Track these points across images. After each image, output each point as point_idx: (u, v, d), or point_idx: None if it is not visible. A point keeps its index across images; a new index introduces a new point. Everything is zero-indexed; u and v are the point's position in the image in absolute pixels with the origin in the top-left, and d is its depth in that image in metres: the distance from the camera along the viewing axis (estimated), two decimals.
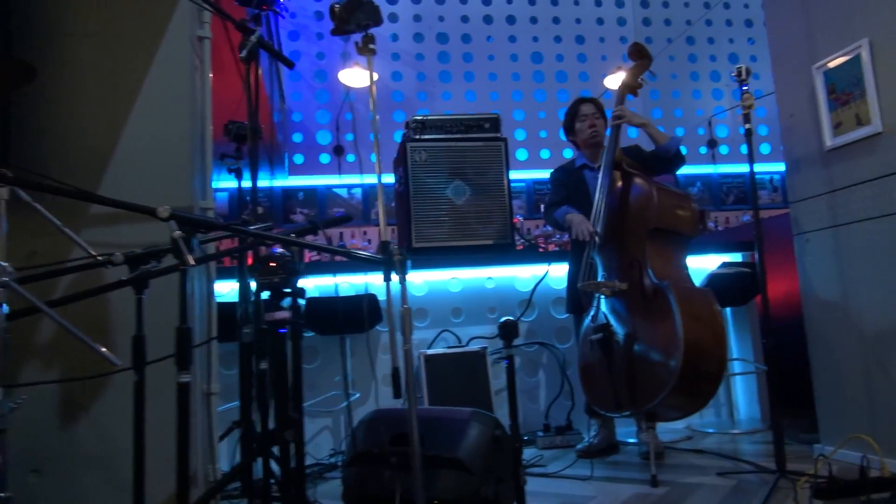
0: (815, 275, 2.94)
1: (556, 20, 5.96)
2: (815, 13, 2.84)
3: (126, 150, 1.98)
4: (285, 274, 1.54)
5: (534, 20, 5.90)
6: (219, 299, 2.37)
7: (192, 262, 1.41)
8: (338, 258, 3.62)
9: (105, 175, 1.97)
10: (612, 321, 2.77)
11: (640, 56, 3.20)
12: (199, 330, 1.99)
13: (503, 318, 1.95)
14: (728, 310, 4.00)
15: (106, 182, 1.97)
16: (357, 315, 3.16)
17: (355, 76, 4.74)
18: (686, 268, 2.80)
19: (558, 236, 4.61)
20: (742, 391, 3.97)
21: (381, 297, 3.67)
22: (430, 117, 3.67)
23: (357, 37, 1.85)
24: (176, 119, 1.93)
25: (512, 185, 5.81)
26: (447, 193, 3.62)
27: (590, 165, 3.31)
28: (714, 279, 3.60)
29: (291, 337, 1.63)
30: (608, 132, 3.07)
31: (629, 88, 3.13)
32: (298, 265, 1.58)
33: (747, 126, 2.56)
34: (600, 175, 2.97)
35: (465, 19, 5.73)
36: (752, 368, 3.85)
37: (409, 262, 1.64)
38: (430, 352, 3.53)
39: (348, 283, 3.59)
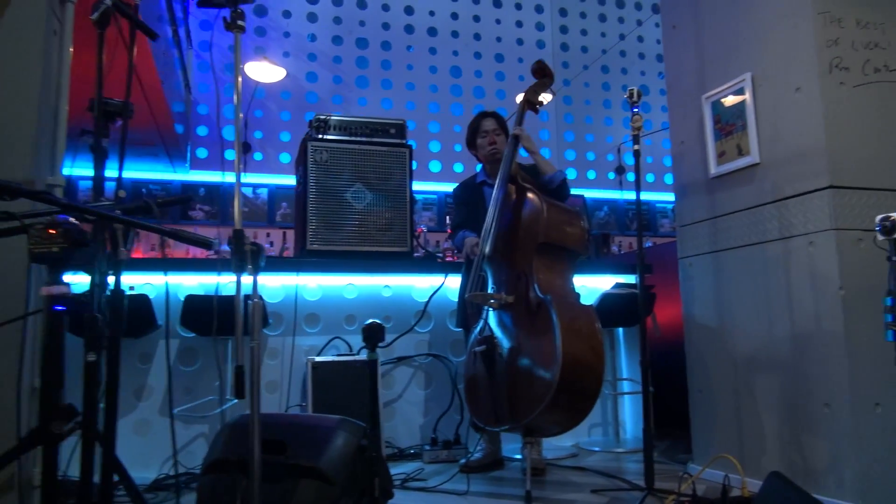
0: (696, 298, 3.03)
1: (476, 36, 6.02)
2: (707, 45, 2.95)
3: None
4: (66, 244, 1.36)
5: (455, 34, 5.93)
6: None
7: None
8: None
9: None
10: (498, 334, 2.75)
11: (542, 74, 3.23)
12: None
13: (368, 321, 1.87)
14: (620, 330, 4.08)
15: None
16: (233, 318, 3.00)
17: (263, 70, 4.59)
18: (572, 284, 2.82)
19: None
20: (630, 411, 4.05)
21: (275, 298, 3.53)
22: (333, 117, 3.58)
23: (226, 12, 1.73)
24: (23, 86, 1.75)
25: (424, 196, 5.84)
26: (347, 197, 3.53)
27: (489, 182, 3.31)
28: (606, 299, 3.66)
29: (110, 327, 1.48)
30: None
31: (529, 105, 3.15)
32: (86, 236, 1.43)
33: (636, 147, 2.61)
34: (495, 188, 2.97)
35: (385, 26, 5.68)
36: (640, 388, 3.93)
37: (262, 256, 1.53)
38: (319, 359, 3.41)
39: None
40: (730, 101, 2.78)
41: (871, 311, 2.30)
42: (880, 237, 1.57)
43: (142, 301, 2.89)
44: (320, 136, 3.53)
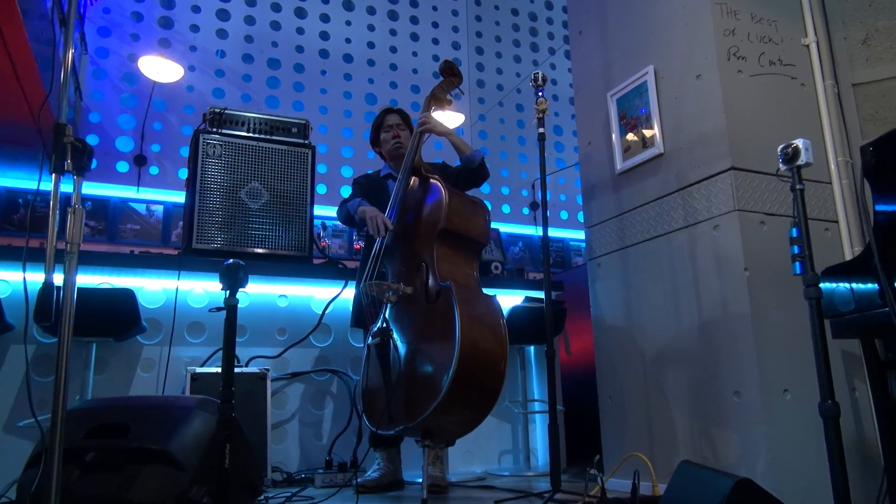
0: (604, 299, 2.92)
1: (393, 66, 5.98)
2: (611, 45, 2.96)
3: None
4: None
5: (371, 62, 5.87)
6: None
7: None
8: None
9: None
10: (395, 329, 2.52)
11: (451, 73, 3.14)
12: None
13: (229, 260, 1.61)
14: (531, 349, 3.92)
15: None
16: (102, 317, 2.65)
17: (160, 66, 4.33)
18: (474, 274, 2.64)
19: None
20: (541, 437, 3.83)
21: (154, 303, 3.17)
22: (229, 111, 3.35)
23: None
24: None
25: (334, 223, 5.60)
26: (241, 195, 3.28)
27: (394, 175, 3.15)
28: (515, 313, 3.49)
29: None
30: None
31: (436, 99, 3.04)
32: None
33: (541, 130, 2.52)
34: (398, 177, 2.80)
35: (300, 49, 5.56)
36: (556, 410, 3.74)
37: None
38: (200, 370, 3.06)
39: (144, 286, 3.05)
40: (633, 94, 2.77)
41: (775, 294, 2.24)
42: (783, 167, 1.49)
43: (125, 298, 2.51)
44: (214, 129, 3.29)
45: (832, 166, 2.50)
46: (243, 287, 1.63)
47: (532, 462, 3.73)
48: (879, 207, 1.68)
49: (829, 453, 1.36)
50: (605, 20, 3.00)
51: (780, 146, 1.47)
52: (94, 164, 4.45)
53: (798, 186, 1.44)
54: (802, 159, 1.43)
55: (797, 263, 1.41)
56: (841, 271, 1.75)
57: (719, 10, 2.47)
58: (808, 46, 2.61)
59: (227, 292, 1.59)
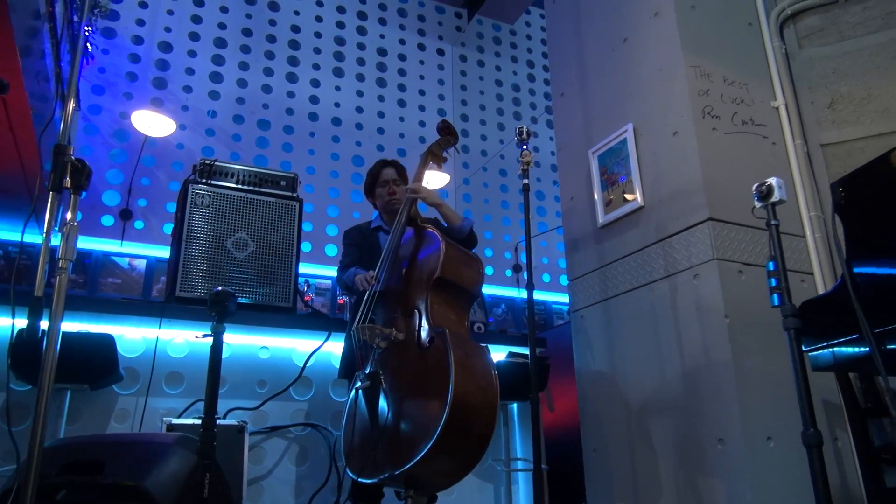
0: (587, 351, 2.93)
1: (380, 130, 6.15)
2: (592, 107, 3.09)
3: None
4: None
5: (359, 126, 6.04)
6: None
7: None
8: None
9: None
10: (384, 374, 2.50)
11: (448, 132, 3.24)
12: None
13: (218, 288, 1.62)
14: (514, 406, 3.87)
15: None
16: (79, 363, 2.60)
17: (152, 120, 4.41)
18: (467, 322, 2.65)
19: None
20: (524, 496, 3.74)
21: (133, 352, 3.11)
22: (219, 162, 3.41)
23: None
24: None
25: (317, 280, 5.60)
26: (227, 245, 3.29)
27: (384, 228, 3.20)
28: (498, 369, 3.44)
29: None
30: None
31: (433, 155, 3.14)
32: None
33: (525, 181, 2.60)
34: (391, 231, 2.85)
35: (290, 111, 5.71)
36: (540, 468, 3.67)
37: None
38: (177, 421, 2.98)
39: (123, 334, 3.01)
40: (614, 151, 2.88)
41: (756, 341, 2.28)
42: (758, 204, 1.56)
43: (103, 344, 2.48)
44: (204, 180, 3.33)
45: (805, 220, 2.59)
46: (231, 315, 1.63)
47: None
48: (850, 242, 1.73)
49: (814, 485, 1.35)
50: (585, 82, 3.15)
51: (755, 185, 1.54)
52: (78, 216, 4.45)
53: (773, 222, 1.51)
54: (776, 196, 1.50)
55: (775, 295, 1.45)
56: (818, 303, 1.79)
57: (694, 72, 2.61)
58: (777, 108, 2.76)
59: (216, 319, 1.58)
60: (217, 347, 1.59)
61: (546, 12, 3.63)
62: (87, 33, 4.43)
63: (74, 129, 4.76)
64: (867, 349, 1.42)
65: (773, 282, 1.45)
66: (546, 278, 6.61)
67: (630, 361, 2.66)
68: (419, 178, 3.01)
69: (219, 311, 1.58)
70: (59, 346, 1.30)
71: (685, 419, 2.36)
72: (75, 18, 4.00)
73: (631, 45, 2.88)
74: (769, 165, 2.63)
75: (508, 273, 6.44)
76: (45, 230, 1.22)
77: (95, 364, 2.65)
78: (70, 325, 2.92)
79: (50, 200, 1.24)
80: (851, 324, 1.45)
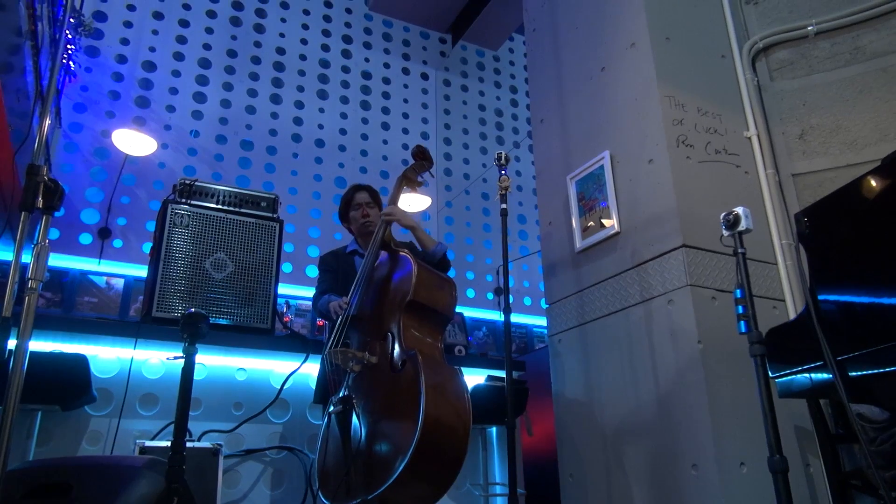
0: (565, 375, 2.94)
1: (363, 152, 6.18)
2: (570, 133, 3.14)
3: None
4: None
5: (342, 148, 6.07)
6: None
7: None
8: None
9: None
10: (357, 398, 2.49)
11: (422, 157, 3.27)
12: None
13: (191, 310, 1.61)
14: (492, 430, 3.87)
15: None
16: (51, 383, 2.56)
17: (133, 139, 4.40)
18: (440, 347, 2.66)
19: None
20: None
21: (107, 373, 3.07)
22: (199, 182, 3.40)
23: None
24: None
25: (297, 302, 5.58)
26: (206, 265, 3.27)
27: (360, 252, 3.21)
28: (477, 392, 3.47)
29: None
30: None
31: (407, 180, 3.16)
32: None
33: (504, 206, 2.63)
34: (365, 255, 2.86)
35: (273, 132, 5.73)
36: (516, 493, 3.65)
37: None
38: (151, 443, 2.93)
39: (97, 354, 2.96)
40: (592, 177, 2.92)
41: (728, 367, 2.31)
42: (725, 233, 1.59)
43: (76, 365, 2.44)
44: (183, 200, 3.33)
45: (777, 248, 2.64)
46: (203, 336, 1.63)
47: None
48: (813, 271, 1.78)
49: None
50: (564, 110, 3.20)
51: (723, 214, 1.58)
52: (56, 234, 4.39)
53: (740, 250, 1.54)
54: (743, 225, 1.54)
55: (742, 322, 1.48)
56: (784, 330, 1.82)
57: (668, 101, 2.67)
58: (750, 138, 2.82)
59: (188, 341, 1.58)
60: (188, 369, 1.58)
61: (526, 40, 3.70)
62: (70, 51, 4.43)
63: (55, 146, 4.74)
64: (831, 376, 1.45)
65: (741, 309, 1.48)
66: (527, 301, 6.63)
67: (606, 386, 2.67)
68: (394, 201, 3.03)
69: (191, 332, 1.57)
70: (26, 367, 1.29)
71: (659, 444, 2.38)
72: (57, 36, 4.00)
73: (608, 75, 2.95)
74: (742, 194, 2.69)
75: (490, 296, 6.45)
76: (14, 249, 1.21)
77: (67, 385, 2.61)
78: (44, 345, 2.88)
79: (22, 220, 1.23)
80: (817, 350, 1.48)
